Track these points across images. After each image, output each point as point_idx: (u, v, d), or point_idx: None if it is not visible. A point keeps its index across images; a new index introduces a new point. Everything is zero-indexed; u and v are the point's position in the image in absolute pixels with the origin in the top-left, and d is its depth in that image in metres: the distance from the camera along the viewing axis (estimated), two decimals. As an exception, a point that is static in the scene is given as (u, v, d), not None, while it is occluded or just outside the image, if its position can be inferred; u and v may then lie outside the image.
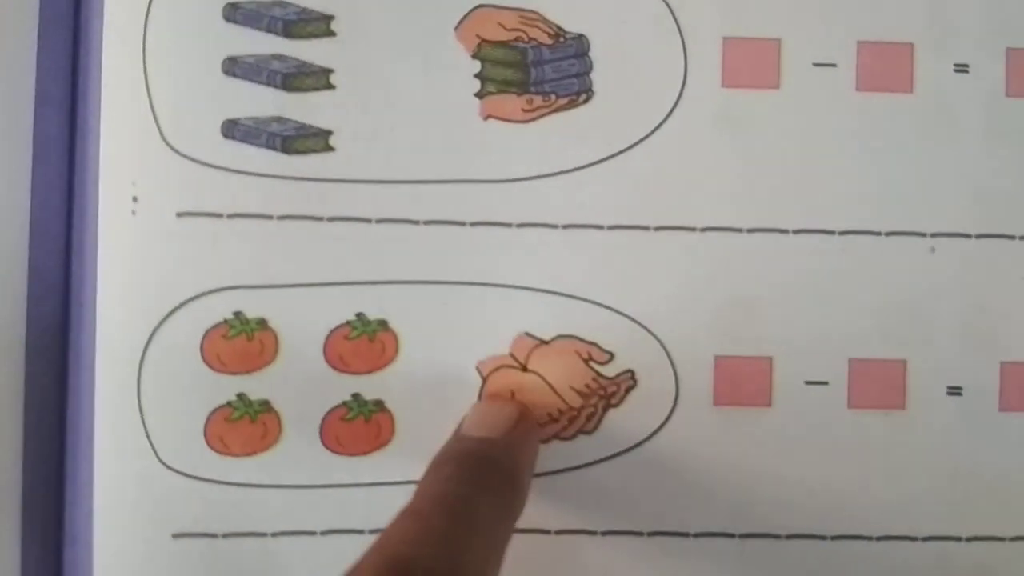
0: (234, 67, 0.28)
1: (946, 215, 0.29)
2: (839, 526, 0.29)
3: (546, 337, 0.29)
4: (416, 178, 0.29)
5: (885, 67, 0.29)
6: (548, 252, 0.29)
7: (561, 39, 0.29)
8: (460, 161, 0.29)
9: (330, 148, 0.28)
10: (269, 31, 0.28)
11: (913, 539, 0.29)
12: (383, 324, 0.29)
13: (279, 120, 0.28)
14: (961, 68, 0.29)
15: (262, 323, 0.28)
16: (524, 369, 0.29)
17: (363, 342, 0.28)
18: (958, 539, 0.29)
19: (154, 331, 0.28)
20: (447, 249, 0.28)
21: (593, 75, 0.29)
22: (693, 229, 0.29)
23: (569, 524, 0.29)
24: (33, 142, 0.29)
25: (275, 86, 0.28)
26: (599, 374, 0.29)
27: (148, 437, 0.28)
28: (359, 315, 0.29)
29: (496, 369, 0.29)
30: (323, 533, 0.28)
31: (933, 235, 0.29)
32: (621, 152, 0.29)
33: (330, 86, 0.28)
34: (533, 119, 0.29)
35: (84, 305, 0.29)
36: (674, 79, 0.29)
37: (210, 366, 0.28)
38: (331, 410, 0.28)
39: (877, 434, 0.29)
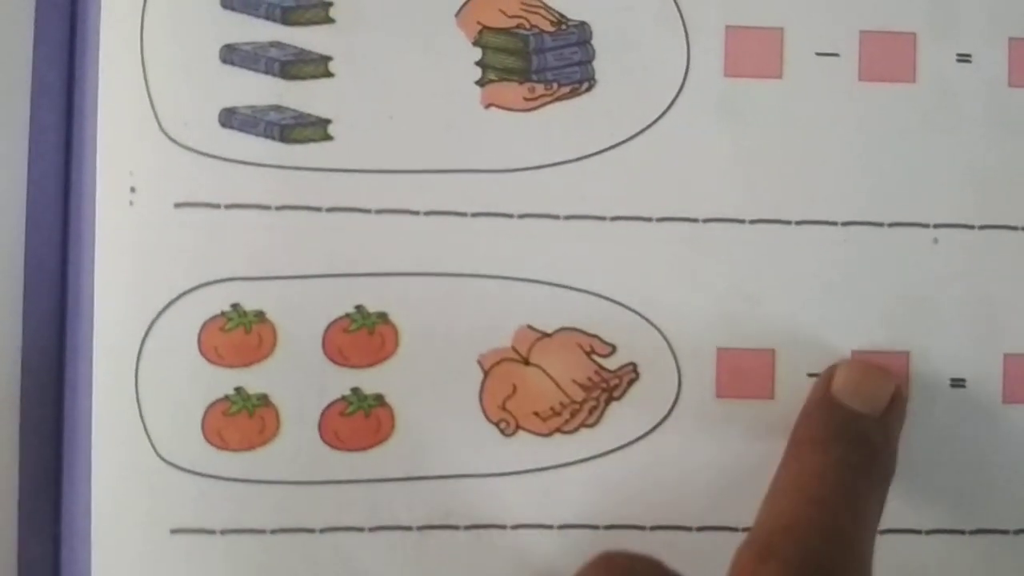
0: (232, 55, 0.28)
1: (949, 206, 0.28)
2: (843, 519, 0.28)
3: (548, 330, 0.28)
4: (416, 168, 0.28)
5: (888, 57, 0.28)
6: (550, 243, 0.28)
7: (563, 26, 0.28)
8: (461, 150, 0.28)
9: (329, 137, 0.28)
10: (267, 18, 0.28)
11: (917, 532, 0.28)
12: (383, 317, 0.28)
13: (277, 109, 0.28)
14: (964, 58, 0.28)
15: (260, 315, 0.28)
16: (526, 362, 0.28)
17: (363, 335, 0.28)
18: (962, 532, 0.28)
19: (151, 323, 0.28)
20: (448, 240, 0.28)
21: (595, 63, 0.28)
22: (695, 220, 0.28)
23: (571, 518, 0.28)
24: (30, 131, 0.28)
25: (273, 74, 0.28)
26: (601, 367, 0.28)
27: (146, 431, 0.28)
28: (358, 307, 0.28)
29: (498, 362, 0.28)
30: (322, 530, 0.28)
31: (936, 226, 0.28)
32: (623, 142, 0.28)
33: (329, 74, 0.28)
34: (535, 108, 0.28)
35: (81, 296, 0.28)
36: (677, 68, 0.28)
37: (208, 359, 0.28)
38: (330, 404, 0.28)
39: (881, 426, 0.28)
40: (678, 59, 0.28)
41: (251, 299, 0.28)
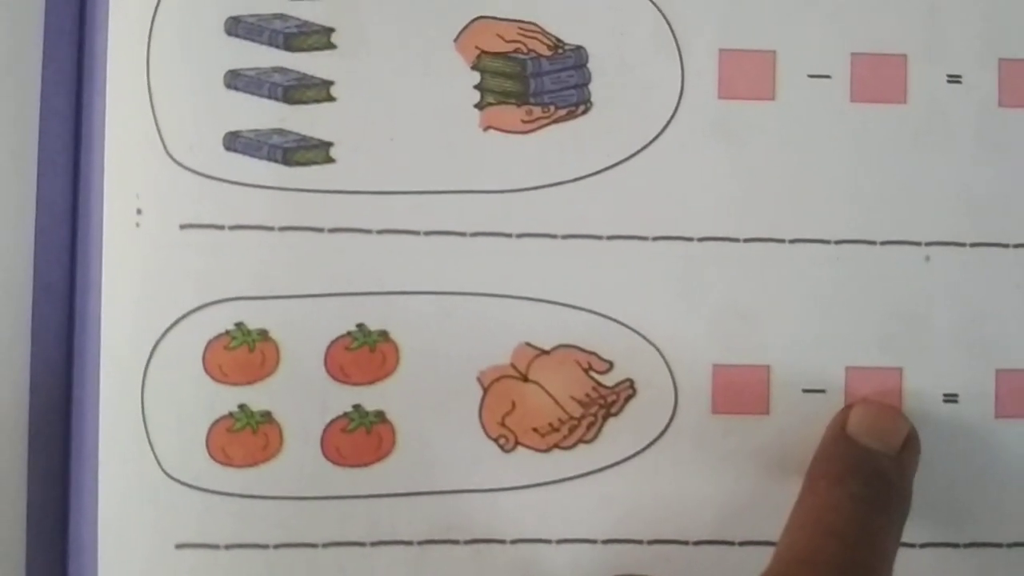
0: (236, 80, 0.28)
1: (941, 224, 0.28)
2: (838, 533, 0.28)
3: (546, 347, 0.28)
4: (416, 189, 0.28)
5: (879, 78, 0.28)
6: (548, 262, 0.28)
7: (560, 50, 0.28)
8: (460, 172, 0.28)
9: (331, 160, 0.28)
10: (270, 44, 0.28)
11: (911, 546, 0.28)
12: (384, 335, 0.28)
13: (280, 132, 0.28)
14: (954, 79, 0.28)
15: (263, 334, 0.28)
16: (525, 379, 0.28)
17: (364, 353, 0.28)
18: (956, 545, 0.28)
19: (157, 342, 0.28)
20: (447, 259, 0.28)
21: (591, 86, 0.28)
22: (691, 239, 0.28)
23: (569, 533, 0.28)
24: (38, 155, 0.28)
25: (276, 99, 0.28)
26: (599, 383, 0.28)
27: (151, 447, 0.28)
28: (360, 326, 0.28)
29: (497, 379, 0.28)
30: (324, 545, 0.28)
31: (928, 244, 0.28)
32: (619, 163, 0.28)
33: (331, 98, 0.28)
34: (532, 130, 0.28)
35: (88, 316, 0.28)
36: (671, 90, 0.28)
37: (212, 377, 0.28)
38: (332, 421, 0.28)
39: (875, 441, 0.28)
40: (673, 82, 0.28)
41: (255, 318, 0.28)
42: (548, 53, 0.28)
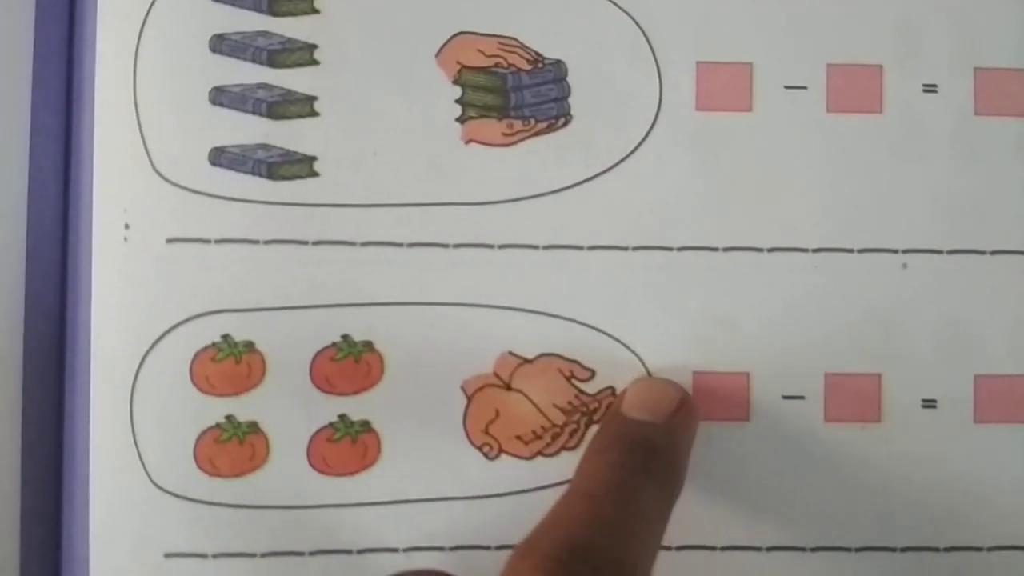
0: (221, 96, 0.28)
1: (917, 232, 0.28)
2: (818, 538, 0.28)
3: (529, 356, 0.28)
4: (399, 201, 0.28)
5: (855, 89, 0.28)
6: (530, 272, 0.28)
7: (539, 65, 0.28)
8: (442, 184, 0.28)
9: (315, 174, 0.28)
10: (254, 61, 0.28)
11: (892, 550, 0.28)
12: (368, 345, 0.28)
13: (265, 147, 0.28)
14: (930, 88, 0.28)
15: (250, 346, 0.28)
16: (508, 387, 0.28)
17: (349, 363, 0.28)
18: (936, 549, 0.28)
19: (146, 354, 0.28)
20: (431, 271, 0.28)
21: (571, 100, 0.28)
22: (670, 248, 0.28)
23: (553, 539, 0.28)
24: (29, 171, 0.28)
25: (261, 114, 0.28)
26: (581, 391, 0.28)
27: (140, 458, 0.28)
28: (345, 337, 0.28)
29: (481, 388, 0.28)
30: (311, 553, 0.28)
31: (905, 251, 0.28)
32: (599, 174, 0.28)
33: (314, 113, 0.28)
34: (513, 143, 0.28)
35: (79, 329, 0.28)
36: (650, 103, 0.28)
37: (199, 388, 0.28)
38: (318, 431, 0.28)
39: (853, 447, 0.28)
40: (651, 94, 0.28)
41: (241, 330, 0.28)
42: (528, 67, 0.28)
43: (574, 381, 0.28)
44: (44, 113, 0.28)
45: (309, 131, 0.28)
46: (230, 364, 0.28)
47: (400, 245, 0.28)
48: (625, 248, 0.28)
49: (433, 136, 0.28)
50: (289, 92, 0.28)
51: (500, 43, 0.28)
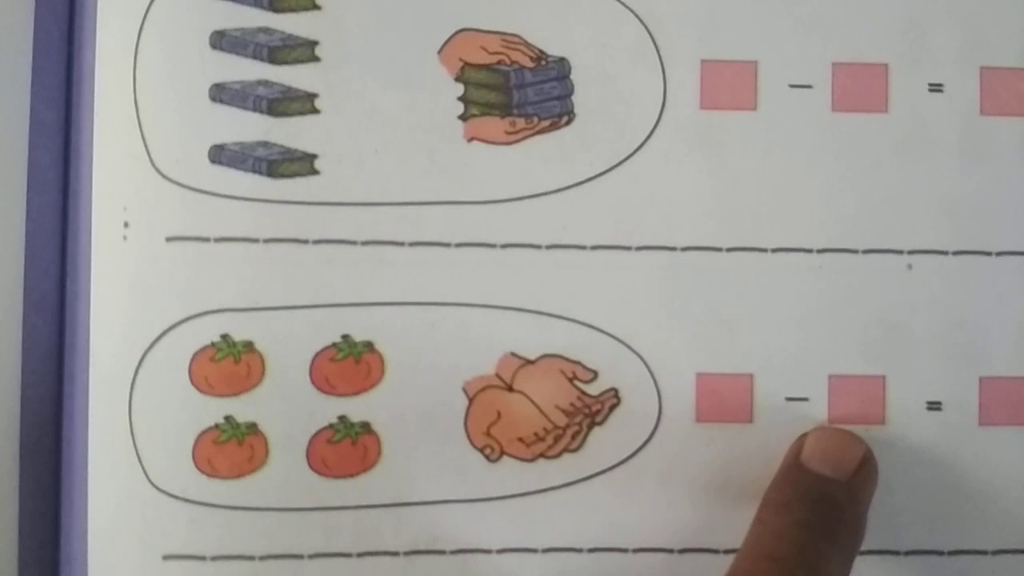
0: (221, 94, 0.27)
1: (922, 232, 0.28)
2: (822, 541, 0.27)
3: (531, 356, 0.28)
4: (401, 200, 0.28)
5: (860, 88, 0.28)
6: (532, 272, 0.28)
7: (543, 62, 0.28)
8: (444, 183, 0.28)
9: (315, 172, 0.27)
10: (255, 58, 0.27)
11: (896, 553, 0.28)
12: (369, 346, 0.27)
13: (265, 145, 0.27)
14: (936, 88, 0.28)
15: (249, 346, 0.27)
16: (510, 389, 0.28)
17: (349, 364, 0.27)
18: (940, 553, 0.28)
19: (144, 354, 0.27)
20: (432, 270, 0.27)
21: (574, 97, 0.28)
22: (673, 248, 0.28)
23: (555, 542, 0.27)
24: (28, 169, 0.28)
25: (261, 111, 0.27)
26: (583, 392, 0.28)
27: (139, 459, 0.27)
28: (345, 337, 0.27)
29: (482, 389, 0.28)
30: (310, 556, 0.27)
31: (910, 252, 0.28)
32: (602, 173, 0.28)
33: (315, 111, 0.27)
34: (516, 141, 0.28)
35: (78, 328, 0.28)
36: (654, 101, 0.28)
37: (198, 389, 0.27)
38: (317, 432, 0.27)
39: (858, 449, 0.27)
40: (655, 93, 0.28)
41: (240, 330, 0.27)
42: (531, 65, 0.28)
43: (576, 382, 0.28)
44: (43, 110, 0.28)
45: (310, 128, 0.27)
46: (229, 364, 0.27)
47: (401, 244, 0.27)
48: (628, 248, 0.28)
49: (435, 134, 0.27)
50: (290, 89, 0.27)
51: (503, 40, 0.28)
